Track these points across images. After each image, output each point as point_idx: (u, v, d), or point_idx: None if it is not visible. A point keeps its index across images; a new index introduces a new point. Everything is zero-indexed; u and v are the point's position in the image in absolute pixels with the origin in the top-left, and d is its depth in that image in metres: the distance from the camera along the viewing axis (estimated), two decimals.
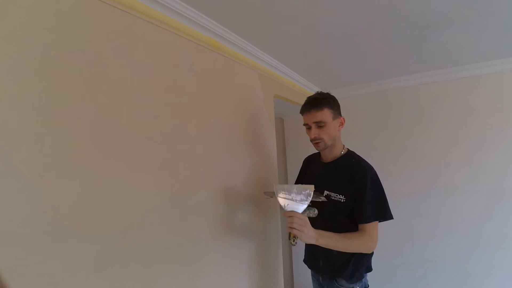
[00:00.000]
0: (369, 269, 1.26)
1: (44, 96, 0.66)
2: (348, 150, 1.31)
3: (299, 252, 1.40)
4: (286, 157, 2.88)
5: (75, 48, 0.75)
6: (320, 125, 1.20)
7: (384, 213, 1.15)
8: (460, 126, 2.12)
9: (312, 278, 1.48)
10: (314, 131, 1.22)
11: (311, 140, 1.25)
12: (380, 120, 2.41)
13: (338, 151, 1.29)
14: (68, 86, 0.72)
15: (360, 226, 1.15)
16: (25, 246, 0.61)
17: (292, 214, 1.02)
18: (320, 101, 1.20)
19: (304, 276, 1.39)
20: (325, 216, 1.19)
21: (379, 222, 1.16)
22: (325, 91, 1.32)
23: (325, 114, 1.20)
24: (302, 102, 1.28)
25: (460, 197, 2.12)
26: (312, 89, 2.41)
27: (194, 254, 1.07)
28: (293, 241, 1.05)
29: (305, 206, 1.02)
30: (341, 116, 1.27)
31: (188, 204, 1.07)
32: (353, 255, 1.21)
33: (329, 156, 1.30)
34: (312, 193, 1.02)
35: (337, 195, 1.20)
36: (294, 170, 2.81)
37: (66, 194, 0.69)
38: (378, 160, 2.35)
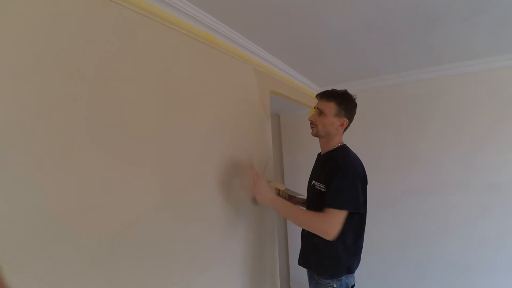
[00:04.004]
0: (350, 270, 1.25)
1: (42, 96, 0.66)
2: (342, 145, 1.34)
3: (297, 252, 1.40)
4: (282, 153, 2.87)
5: (73, 46, 0.73)
6: (320, 112, 1.30)
7: (346, 203, 1.13)
8: (456, 123, 2.12)
9: None
10: (314, 116, 1.34)
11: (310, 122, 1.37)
12: (375, 117, 2.40)
13: (333, 145, 1.33)
14: (66, 85, 0.71)
15: (324, 209, 1.14)
16: (23, 244, 0.61)
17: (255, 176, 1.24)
18: (332, 95, 1.29)
19: (302, 276, 1.40)
20: (310, 203, 1.36)
21: (345, 210, 1.12)
22: (324, 88, 1.37)
23: (329, 107, 1.28)
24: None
25: (456, 194, 2.12)
26: (309, 86, 2.40)
27: (190, 254, 1.06)
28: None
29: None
30: (346, 118, 1.29)
31: (184, 203, 1.06)
32: (320, 249, 1.24)
33: (324, 148, 1.38)
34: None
35: (319, 184, 1.27)
36: (290, 166, 2.81)
37: (64, 193, 0.69)
38: (373, 157, 2.38)
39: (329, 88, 1.38)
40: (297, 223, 1.21)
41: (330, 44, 1.56)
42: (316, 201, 1.28)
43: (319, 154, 1.45)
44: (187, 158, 1.09)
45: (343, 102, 1.28)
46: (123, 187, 0.83)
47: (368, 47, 1.66)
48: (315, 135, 1.36)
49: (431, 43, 1.64)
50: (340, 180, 1.16)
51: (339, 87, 1.37)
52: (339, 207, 1.11)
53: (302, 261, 1.39)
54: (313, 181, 1.33)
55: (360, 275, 1.28)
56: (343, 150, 1.31)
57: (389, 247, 2.34)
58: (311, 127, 1.35)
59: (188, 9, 1.08)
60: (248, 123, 1.53)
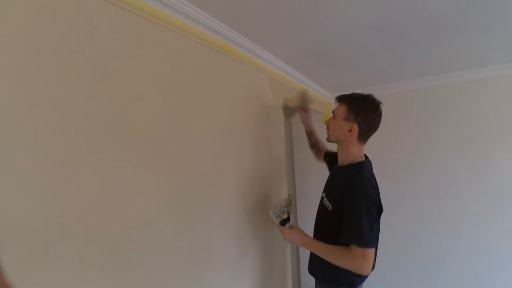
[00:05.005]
0: (353, 285, 1.19)
1: (43, 96, 0.66)
2: (359, 162, 1.19)
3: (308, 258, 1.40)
4: (293, 159, 2.89)
5: (87, 51, 0.75)
6: (333, 115, 1.25)
7: (360, 239, 1.03)
8: (468, 128, 2.12)
9: None
10: (329, 119, 1.27)
11: None
12: (387, 123, 2.39)
13: (349, 159, 1.21)
14: (71, 88, 0.71)
15: (351, 247, 1.07)
16: (24, 246, 0.61)
17: (279, 228, 1.29)
18: (345, 97, 1.21)
19: (312, 282, 1.40)
20: (318, 217, 1.31)
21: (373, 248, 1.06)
22: (337, 94, 1.33)
23: (340, 110, 1.21)
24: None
25: (467, 199, 2.11)
26: (321, 93, 2.43)
27: (198, 257, 1.07)
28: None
29: (277, 220, 1.29)
30: (356, 123, 1.15)
31: (193, 206, 1.07)
32: (324, 260, 1.16)
33: (340, 160, 1.28)
34: (272, 214, 1.28)
35: (327, 201, 1.22)
36: (302, 172, 2.82)
37: (71, 196, 0.69)
38: (385, 162, 2.41)
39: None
40: (330, 261, 1.13)
41: (342, 51, 1.59)
42: (322, 216, 1.26)
43: (336, 163, 1.34)
44: (201, 161, 1.12)
45: (354, 105, 1.17)
46: (131, 190, 0.83)
47: (380, 54, 1.68)
48: (328, 139, 1.29)
49: (443, 50, 1.65)
50: (358, 212, 1.04)
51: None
52: (367, 245, 1.03)
53: (309, 269, 1.36)
54: (324, 194, 1.28)
55: (369, 280, 1.28)
56: (358, 169, 1.17)
57: (399, 251, 2.33)
58: (326, 132, 1.29)
59: (204, 19, 1.13)
60: (262, 129, 1.58)
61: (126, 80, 0.85)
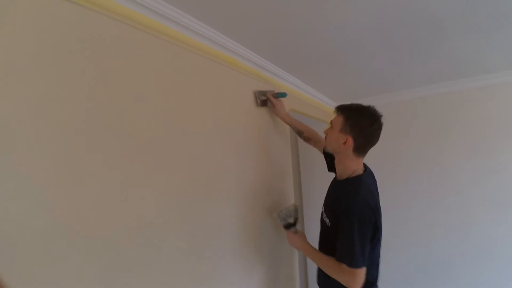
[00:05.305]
0: None
1: (43, 96, 0.65)
2: (356, 177, 1.15)
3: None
4: (299, 169, 2.90)
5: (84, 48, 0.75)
6: (331, 126, 1.21)
7: (349, 259, 1.04)
8: (476, 136, 2.12)
9: None
10: (327, 129, 1.25)
11: None
12: (394, 131, 2.41)
13: (346, 173, 1.18)
14: (71, 88, 0.71)
15: (341, 264, 1.09)
16: (30, 247, 0.61)
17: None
18: (343, 108, 1.18)
19: None
20: (320, 228, 1.30)
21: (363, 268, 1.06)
22: (340, 103, 1.31)
23: (337, 121, 1.17)
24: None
25: (476, 207, 2.09)
26: (326, 102, 2.46)
27: (203, 264, 1.06)
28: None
29: (281, 223, 1.35)
30: (351, 136, 1.12)
31: (199, 211, 1.06)
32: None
33: (338, 173, 1.25)
34: (277, 216, 1.36)
35: (326, 217, 1.21)
36: (307, 182, 2.83)
37: (71, 196, 0.68)
38: (391, 171, 2.42)
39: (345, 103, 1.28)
40: (324, 271, 1.18)
41: (346, 60, 1.60)
42: (323, 231, 1.26)
43: (335, 177, 1.31)
44: (209, 170, 1.14)
45: (351, 117, 1.13)
46: (126, 189, 0.82)
47: (385, 61, 1.68)
48: (324, 149, 1.27)
49: (449, 57, 1.66)
50: (351, 232, 1.04)
51: (357, 102, 1.28)
52: (356, 265, 1.04)
53: (317, 280, 1.33)
54: (323, 209, 1.28)
55: None
56: (355, 184, 1.13)
57: (409, 261, 2.31)
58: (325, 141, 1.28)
59: (214, 36, 1.17)
60: (268, 139, 1.60)
61: (126, 80, 0.85)
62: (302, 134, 1.60)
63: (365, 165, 1.24)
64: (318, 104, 2.37)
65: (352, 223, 1.04)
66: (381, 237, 1.18)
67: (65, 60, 0.70)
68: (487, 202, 2.06)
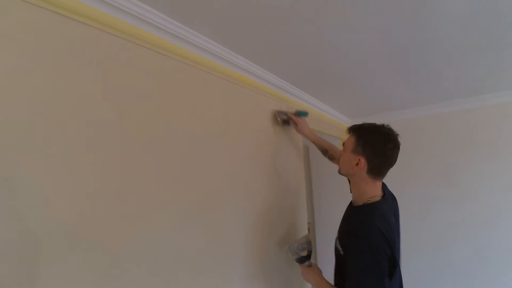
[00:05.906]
0: None
1: (44, 96, 0.66)
2: (372, 204, 1.06)
3: None
4: (312, 185, 2.83)
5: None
6: (343, 147, 1.15)
7: None
8: (500, 153, 2.11)
9: None
10: (340, 150, 1.22)
11: None
12: (412, 148, 2.34)
13: (361, 199, 1.09)
14: (72, 88, 0.71)
15: None
16: (30, 248, 0.61)
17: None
18: (355, 128, 1.11)
19: None
20: (335, 256, 1.16)
21: None
22: (355, 119, 1.29)
23: (349, 141, 1.11)
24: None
25: (499, 228, 2.09)
26: (338, 118, 2.41)
27: (207, 276, 1.04)
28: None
29: (293, 257, 1.27)
30: (363, 157, 1.04)
31: (206, 221, 1.05)
32: None
33: (353, 198, 1.17)
34: (288, 250, 1.28)
35: (338, 245, 1.10)
36: (320, 198, 2.75)
37: (71, 196, 0.68)
38: (412, 188, 2.39)
39: (360, 119, 1.31)
40: None
41: (353, 74, 1.55)
42: (337, 259, 1.14)
43: (351, 202, 1.21)
44: (221, 186, 1.13)
45: (363, 137, 1.06)
46: (126, 188, 0.82)
47: (407, 79, 1.66)
48: (338, 172, 1.21)
49: (475, 73, 1.63)
50: (355, 266, 0.97)
51: (372, 118, 1.25)
52: None
53: None
54: (337, 236, 1.17)
55: None
56: (368, 212, 1.03)
57: (425, 275, 2.30)
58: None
59: (226, 55, 1.17)
60: (281, 154, 1.58)
61: (126, 81, 0.84)
62: (327, 153, 1.55)
63: (384, 189, 1.15)
64: (333, 121, 2.33)
65: (365, 257, 0.93)
66: (400, 275, 1.08)
67: (65, 60, 0.70)
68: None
